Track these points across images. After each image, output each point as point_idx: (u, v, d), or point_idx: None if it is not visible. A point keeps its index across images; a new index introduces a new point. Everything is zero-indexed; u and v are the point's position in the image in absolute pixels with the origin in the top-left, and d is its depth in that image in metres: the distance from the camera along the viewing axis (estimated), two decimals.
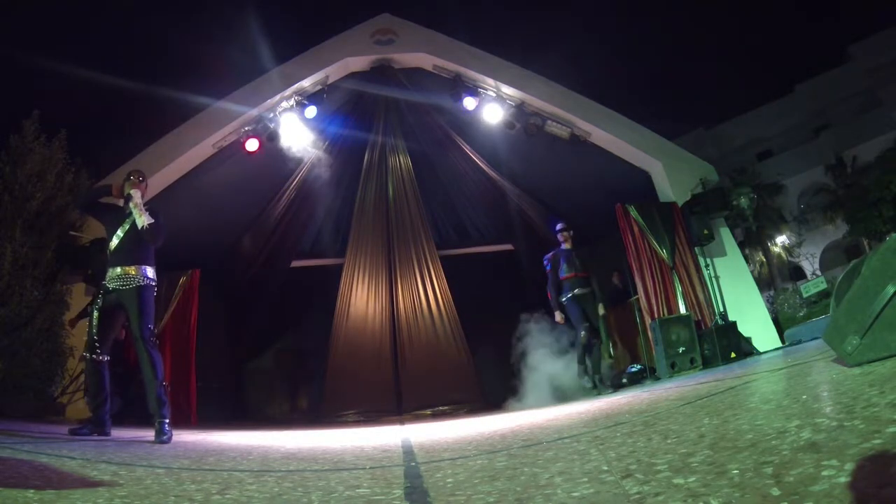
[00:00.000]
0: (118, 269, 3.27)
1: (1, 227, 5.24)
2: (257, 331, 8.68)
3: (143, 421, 4.21)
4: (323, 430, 4.82)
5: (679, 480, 0.93)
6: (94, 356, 3.16)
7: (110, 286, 3.26)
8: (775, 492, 0.76)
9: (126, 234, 3.35)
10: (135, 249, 3.32)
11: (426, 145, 8.54)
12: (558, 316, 5.50)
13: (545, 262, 5.67)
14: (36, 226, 5.55)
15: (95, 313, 3.24)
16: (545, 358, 6.27)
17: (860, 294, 1.70)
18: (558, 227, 5.74)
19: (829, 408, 1.32)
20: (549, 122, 7.32)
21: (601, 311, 5.49)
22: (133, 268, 3.27)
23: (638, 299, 6.59)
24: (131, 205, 3.34)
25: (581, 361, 5.35)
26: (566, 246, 5.63)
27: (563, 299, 5.45)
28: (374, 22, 7.52)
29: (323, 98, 7.24)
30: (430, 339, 8.40)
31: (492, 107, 7.30)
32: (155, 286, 3.37)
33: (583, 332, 5.32)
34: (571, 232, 5.65)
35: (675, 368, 5.49)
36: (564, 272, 5.51)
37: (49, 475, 1.56)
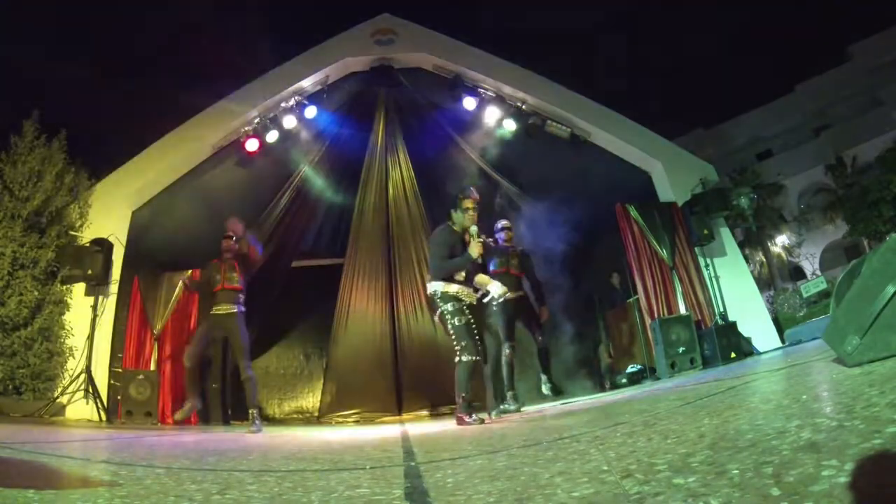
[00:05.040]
0: None
1: (1, 227, 5.25)
2: (257, 331, 8.66)
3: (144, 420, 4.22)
4: (323, 430, 4.81)
5: (679, 480, 0.93)
6: None
7: None
8: (775, 492, 0.76)
9: None
10: None
11: (426, 145, 8.53)
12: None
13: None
14: (36, 226, 5.55)
15: None
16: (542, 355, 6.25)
17: (860, 294, 1.70)
18: (499, 225, 5.15)
19: (829, 408, 1.32)
20: (549, 122, 7.33)
21: (545, 315, 5.05)
22: None
23: (638, 299, 6.59)
24: None
25: (511, 386, 4.50)
26: (505, 243, 5.03)
27: (488, 301, 4.55)
28: (374, 22, 7.54)
29: (323, 98, 7.26)
30: (430, 340, 8.38)
31: (492, 107, 7.30)
32: None
33: (508, 350, 4.58)
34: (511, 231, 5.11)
35: (675, 368, 5.49)
36: (496, 265, 4.83)
37: (49, 475, 1.56)
